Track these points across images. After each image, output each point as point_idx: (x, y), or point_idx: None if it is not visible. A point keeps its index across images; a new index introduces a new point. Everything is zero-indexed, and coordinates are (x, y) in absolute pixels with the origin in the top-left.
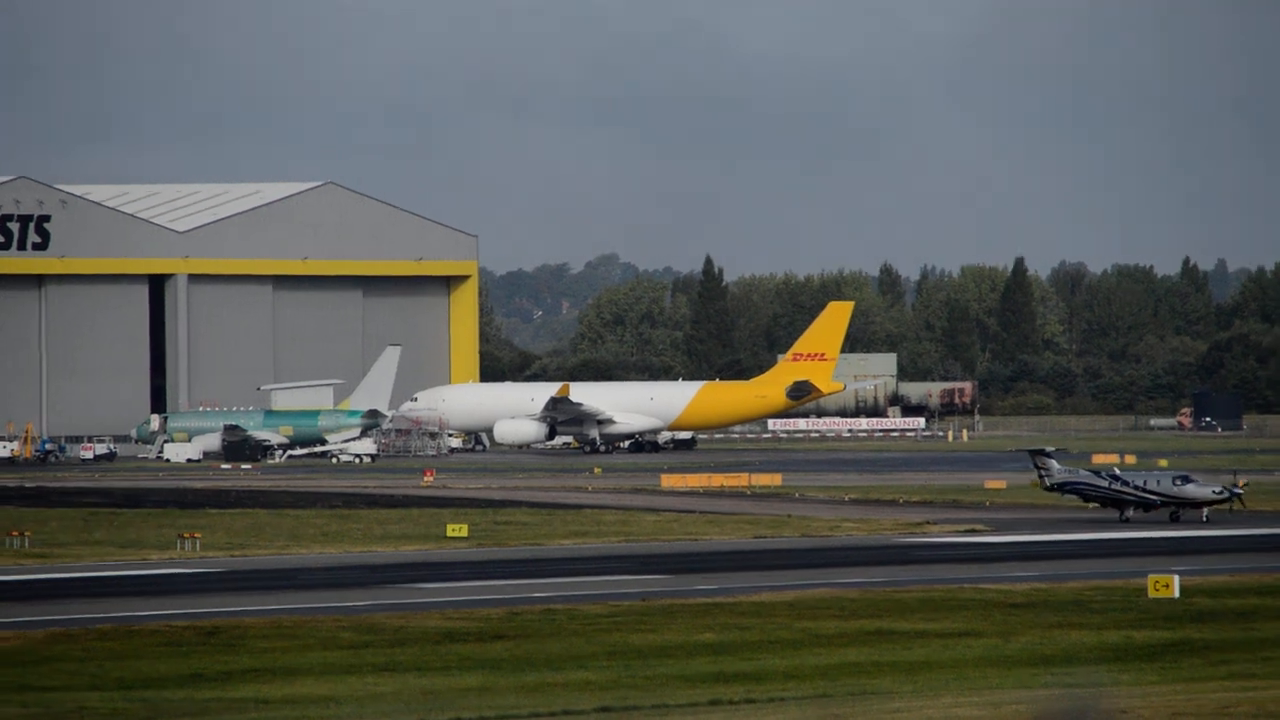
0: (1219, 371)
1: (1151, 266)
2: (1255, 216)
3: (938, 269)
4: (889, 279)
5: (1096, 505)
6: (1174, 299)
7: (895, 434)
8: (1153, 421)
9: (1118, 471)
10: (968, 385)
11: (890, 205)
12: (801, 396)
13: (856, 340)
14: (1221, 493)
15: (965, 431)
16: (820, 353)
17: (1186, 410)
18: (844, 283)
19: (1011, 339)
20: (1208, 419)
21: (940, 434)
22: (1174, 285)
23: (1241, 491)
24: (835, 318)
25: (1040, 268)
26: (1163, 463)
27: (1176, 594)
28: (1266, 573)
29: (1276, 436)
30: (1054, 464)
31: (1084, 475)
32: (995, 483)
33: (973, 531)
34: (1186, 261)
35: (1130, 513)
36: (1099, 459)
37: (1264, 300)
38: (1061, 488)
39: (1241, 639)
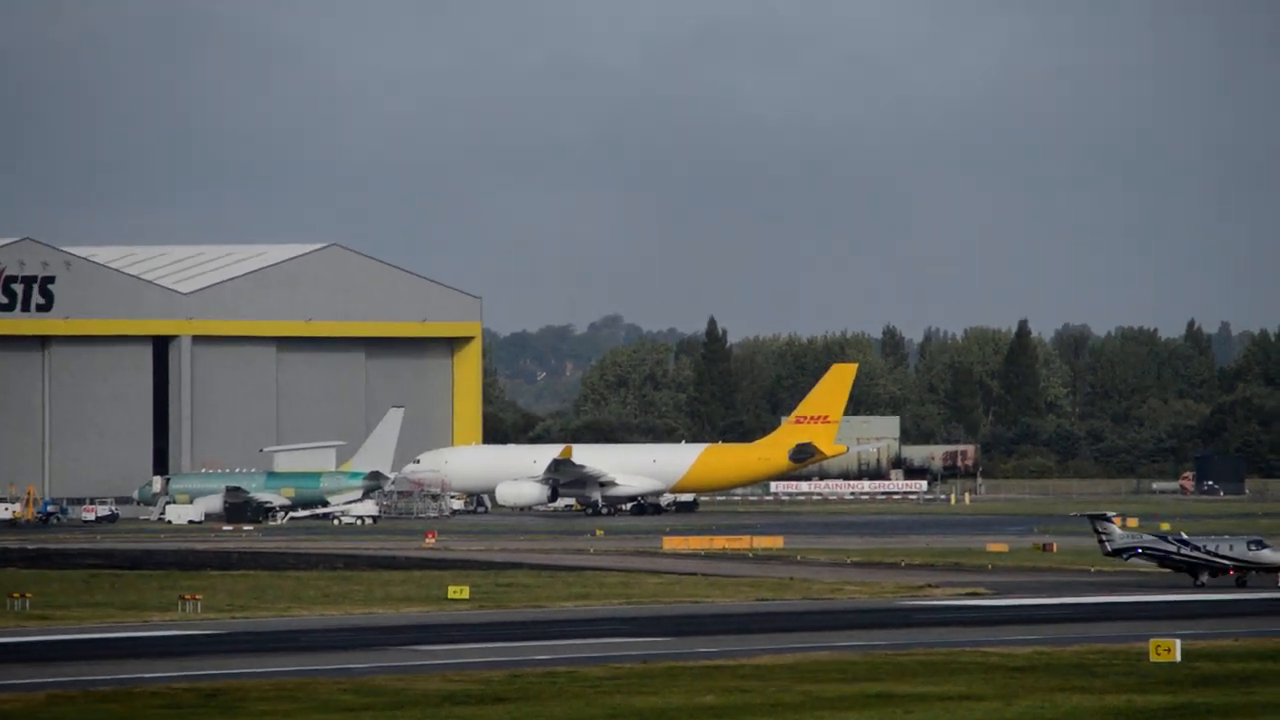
0: (1222, 434)
1: (1155, 329)
2: (1259, 279)
3: (941, 331)
4: (892, 341)
5: (1167, 571)
6: (1177, 362)
7: (897, 496)
8: (1155, 485)
9: (1185, 536)
10: (970, 448)
11: (893, 267)
12: (804, 459)
13: (859, 402)
14: None
15: (967, 494)
16: (823, 415)
17: (1188, 473)
18: (847, 344)
19: (1014, 401)
20: (1210, 482)
21: (943, 497)
22: (1178, 348)
23: None
24: (838, 380)
25: (1044, 330)
26: (1164, 525)
27: (1178, 658)
28: (1269, 637)
29: (1278, 500)
30: (1115, 529)
31: (1148, 539)
32: (997, 546)
33: (974, 594)
34: (1190, 324)
35: (1205, 578)
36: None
37: (1267, 364)
38: (1124, 552)
39: (1243, 703)
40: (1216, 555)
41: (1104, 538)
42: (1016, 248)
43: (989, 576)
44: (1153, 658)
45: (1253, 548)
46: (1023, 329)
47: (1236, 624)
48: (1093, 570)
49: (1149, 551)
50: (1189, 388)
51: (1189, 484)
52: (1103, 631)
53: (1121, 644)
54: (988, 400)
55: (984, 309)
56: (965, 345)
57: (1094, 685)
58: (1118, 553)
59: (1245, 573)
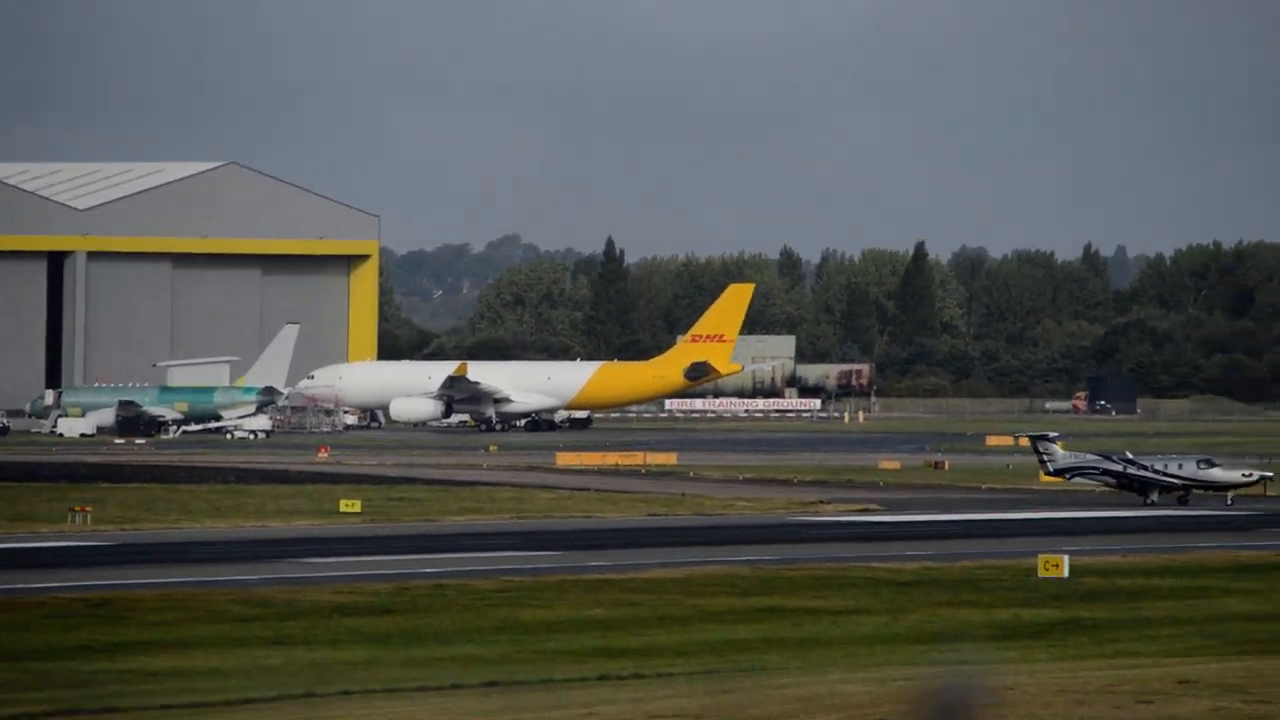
0: (1115, 355)
1: (1051, 252)
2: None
3: (838, 252)
4: (789, 262)
5: (1110, 490)
6: (1073, 284)
7: (792, 415)
8: (1048, 404)
9: (1131, 455)
10: (865, 367)
11: (792, 189)
12: (699, 377)
13: (755, 322)
14: (1249, 475)
15: (861, 413)
16: (719, 334)
17: (1081, 394)
18: (744, 265)
19: (910, 322)
20: (1102, 402)
21: (837, 415)
22: (1074, 271)
23: (1271, 475)
24: (735, 300)
25: (941, 252)
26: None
27: (1066, 573)
28: (1156, 553)
29: (1170, 420)
30: (1057, 449)
31: (1092, 459)
32: (890, 463)
33: (865, 511)
34: (1087, 247)
35: (1155, 496)
36: (993, 440)
37: (1161, 286)
38: (1067, 473)
39: (1129, 618)
40: (1166, 474)
41: (1045, 458)
42: (915, 170)
43: (880, 493)
44: (1041, 573)
45: (1202, 466)
46: (919, 251)
47: (1128, 540)
48: (983, 488)
49: (1095, 472)
50: (1084, 309)
51: (1082, 404)
52: (992, 548)
53: (1010, 560)
54: (883, 321)
55: (881, 231)
56: (862, 266)
57: (981, 600)
58: (1060, 473)
59: (1188, 491)
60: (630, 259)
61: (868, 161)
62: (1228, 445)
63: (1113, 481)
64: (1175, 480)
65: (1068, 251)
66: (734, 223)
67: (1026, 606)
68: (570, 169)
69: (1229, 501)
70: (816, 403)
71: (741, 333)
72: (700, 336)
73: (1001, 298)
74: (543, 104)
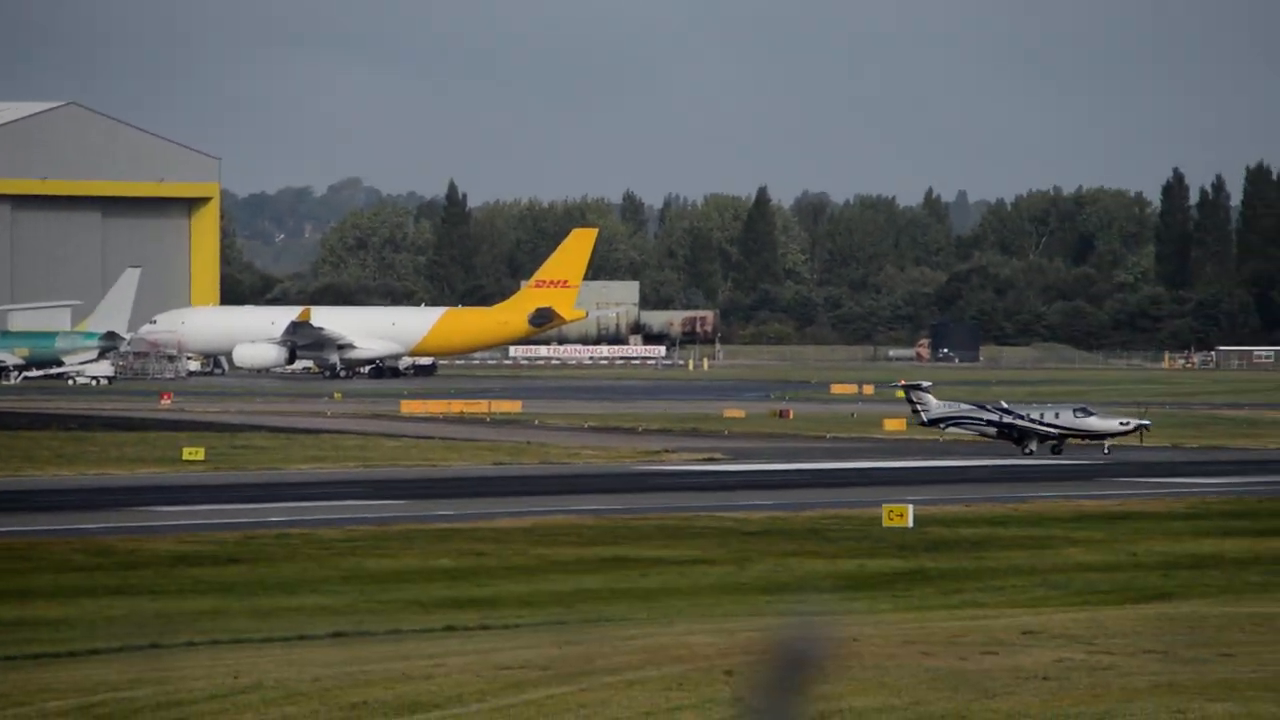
0: (957, 302)
1: (894, 197)
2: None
3: (681, 197)
4: (632, 207)
5: (986, 440)
6: (915, 230)
7: (636, 362)
8: (891, 352)
9: (1006, 404)
10: (709, 314)
11: (635, 133)
12: (543, 323)
13: (599, 268)
14: (1126, 424)
15: (706, 360)
16: (563, 280)
17: (924, 341)
18: (588, 209)
19: (753, 268)
20: (945, 350)
21: (681, 362)
22: (915, 216)
23: (1149, 424)
24: (578, 245)
25: (783, 197)
26: (900, 393)
27: (911, 523)
28: (1000, 503)
29: (1012, 367)
30: (930, 398)
31: (967, 409)
32: (734, 411)
33: (711, 460)
34: (929, 193)
35: (1034, 446)
36: (837, 389)
37: (1003, 232)
38: (941, 422)
39: (973, 568)
40: (1043, 423)
41: (919, 407)
42: (757, 116)
43: (726, 442)
44: (886, 523)
45: (1079, 415)
46: (762, 196)
47: (972, 489)
48: (827, 436)
49: (971, 421)
50: (926, 255)
51: (925, 351)
52: (837, 497)
53: (856, 509)
54: (727, 267)
55: (724, 176)
56: (705, 212)
57: (827, 550)
58: (934, 422)
59: (1062, 440)
60: (473, 203)
61: (710, 106)
62: (1069, 393)
63: (992, 431)
64: (1053, 429)
65: (910, 197)
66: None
67: (872, 557)
68: (412, 111)
69: (1106, 450)
70: (661, 350)
71: (585, 278)
72: (544, 282)
73: (844, 244)
74: (385, 46)
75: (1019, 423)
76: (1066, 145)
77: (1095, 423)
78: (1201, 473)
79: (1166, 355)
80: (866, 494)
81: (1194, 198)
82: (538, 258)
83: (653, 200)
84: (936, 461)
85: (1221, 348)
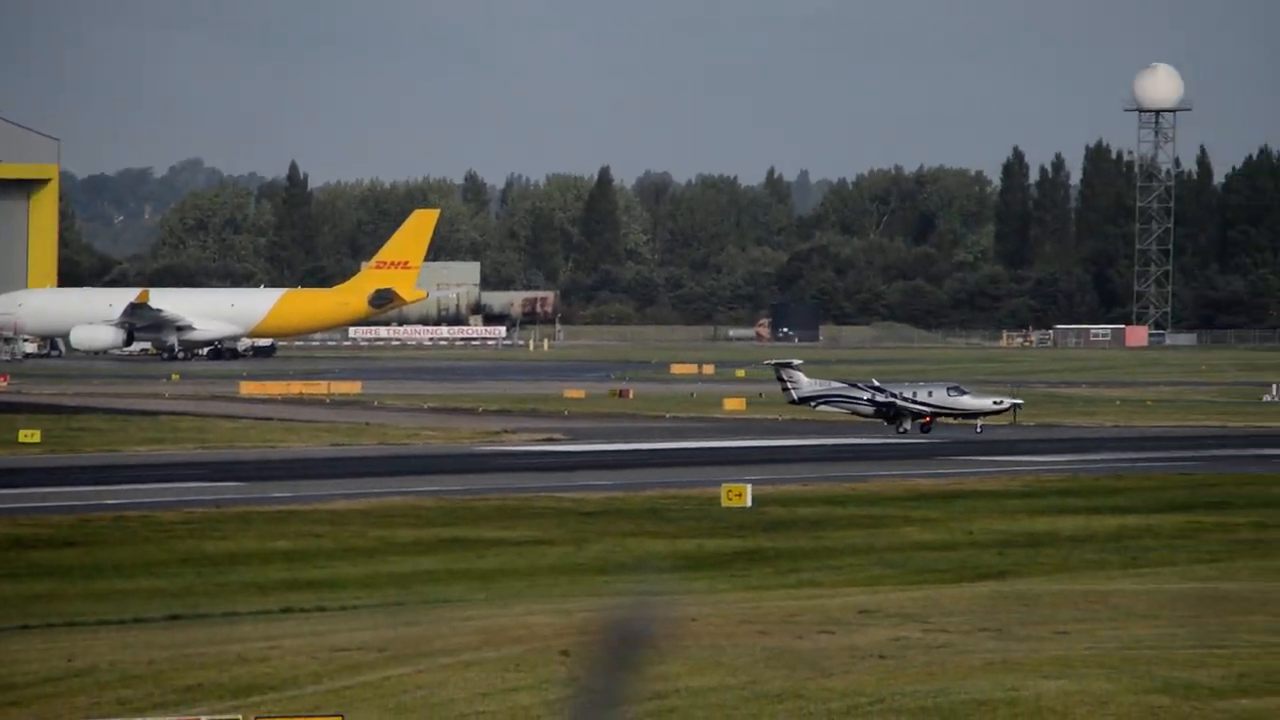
0: (798, 282)
1: (735, 177)
2: (838, 128)
3: (523, 178)
4: (474, 187)
5: (861, 418)
6: (757, 210)
7: (477, 343)
8: (731, 332)
9: (877, 382)
10: (550, 295)
11: (476, 114)
12: (384, 304)
13: (440, 249)
14: (1000, 402)
15: (546, 341)
16: (404, 261)
17: (764, 320)
18: (429, 190)
19: (595, 249)
20: (785, 329)
21: (521, 343)
22: (757, 196)
23: (1021, 402)
24: (419, 226)
25: (625, 177)
26: (740, 373)
27: (749, 503)
28: (838, 482)
29: (851, 347)
30: (801, 376)
31: (837, 387)
32: (575, 392)
33: (550, 440)
34: (770, 172)
35: (908, 424)
36: (678, 369)
37: (844, 212)
38: (811, 400)
39: (810, 548)
40: (916, 401)
41: (789, 385)
42: (599, 95)
43: (565, 423)
44: (724, 503)
45: (952, 393)
46: (604, 176)
47: (810, 469)
48: (667, 416)
49: (842, 400)
50: (767, 235)
51: (765, 331)
52: (676, 477)
53: (695, 489)
54: (568, 247)
55: (566, 156)
56: (547, 192)
57: (666, 530)
58: (804, 400)
59: (933, 419)
60: (314, 184)
61: (552, 86)
62: (909, 372)
63: (868, 410)
64: (927, 407)
65: (751, 177)
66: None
67: (710, 536)
68: (253, 92)
69: (979, 429)
70: (502, 330)
71: (426, 259)
72: (385, 263)
73: (686, 224)
74: (225, 25)
75: (895, 401)
76: (907, 124)
77: (969, 401)
78: (1037, 451)
79: (1005, 334)
80: (705, 474)
81: (1034, 177)
82: (379, 239)
83: (494, 181)
84: (775, 441)
85: (1059, 326)
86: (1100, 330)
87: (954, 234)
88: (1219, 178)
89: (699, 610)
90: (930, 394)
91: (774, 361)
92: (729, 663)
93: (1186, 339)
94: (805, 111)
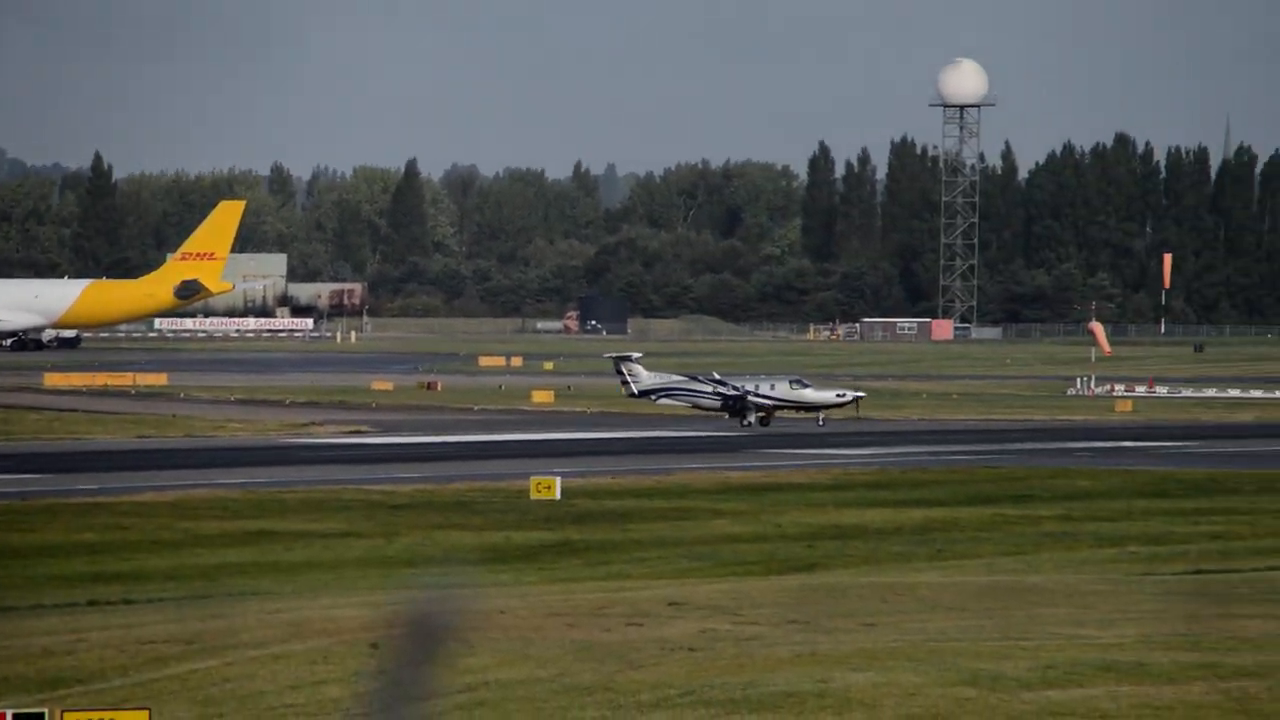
0: (606, 275)
1: (543, 170)
2: (645, 122)
3: (330, 169)
4: (280, 179)
5: (702, 412)
6: (564, 203)
7: (284, 334)
8: (540, 324)
9: (718, 375)
10: (357, 287)
11: (282, 105)
12: (190, 296)
13: (247, 240)
14: (842, 395)
15: (354, 333)
16: (210, 252)
17: (573, 313)
18: (235, 182)
19: (402, 241)
20: (593, 322)
21: (329, 335)
22: (564, 189)
23: (864, 394)
24: (225, 217)
25: (433, 170)
26: (548, 365)
27: (558, 495)
28: (646, 474)
29: (660, 340)
30: (640, 370)
31: (678, 380)
32: (382, 384)
33: (358, 432)
34: (578, 165)
35: (753, 418)
36: (486, 361)
37: (651, 205)
38: (652, 394)
39: (619, 540)
40: (759, 394)
41: (628, 379)
42: (406, 88)
43: (373, 415)
44: (533, 495)
45: (795, 386)
46: (411, 169)
47: (619, 461)
48: (475, 409)
49: (673, 392)
50: (575, 228)
51: (573, 324)
52: (485, 470)
53: (503, 482)
54: (375, 239)
55: (373, 148)
56: (354, 184)
57: (474, 522)
58: (645, 394)
59: (771, 413)
60: (119, 175)
61: (358, 77)
62: (717, 365)
63: (716, 404)
64: (770, 400)
65: (558, 170)
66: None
67: (519, 529)
68: (57, 81)
69: (820, 423)
70: (309, 322)
71: (232, 251)
72: (190, 254)
73: (493, 217)
74: (27, 12)
75: (738, 394)
76: (715, 118)
77: (811, 394)
78: (845, 444)
79: (812, 327)
80: (514, 466)
81: (840, 171)
82: (184, 230)
83: (301, 172)
84: (585, 434)
85: (866, 320)
86: (906, 324)
87: (761, 228)
88: (1024, 173)
89: (507, 603)
90: (773, 387)
91: (612, 355)
92: (538, 655)
93: (992, 333)
94: (612, 105)
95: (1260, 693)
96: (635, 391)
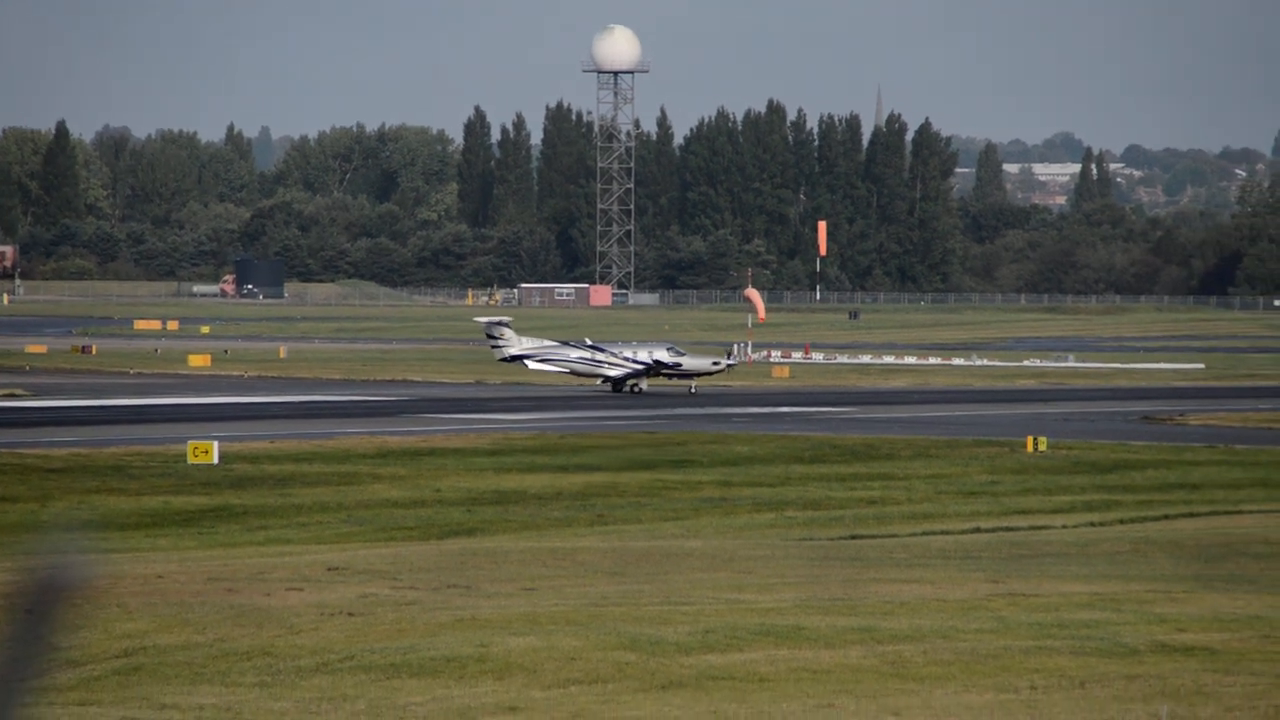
0: (261, 239)
1: (195, 132)
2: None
3: None
4: None
5: (576, 377)
6: (218, 166)
7: None
8: (196, 288)
9: (591, 341)
10: (9, 249)
11: None
12: None
13: None
14: (719, 363)
15: (6, 296)
16: None
17: (229, 277)
18: None
19: (54, 203)
20: (250, 286)
21: None
22: (218, 152)
23: (736, 363)
24: None
25: (84, 131)
26: (205, 329)
27: (216, 460)
28: (307, 439)
29: (318, 304)
30: (510, 334)
31: (550, 345)
32: (36, 347)
33: (12, 396)
34: (231, 128)
35: (643, 384)
36: (142, 325)
37: (306, 169)
38: (522, 359)
39: (279, 505)
40: (636, 360)
41: (500, 343)
42: (53, 48)
43: (28, 378)
44: (191, 459)
45: (671, 354)
46: (61, 130)
47: (275, 426)
48: (131, 373)
49: (546, 358)
50: (230, 192)
51: (230, 287)
52: (142, 434)
53: (160, 446)
54: (27, 202)
55: (21, 109)
56: (3, 145)
57: (131, 487)
58: (516, 359)
59: (640, 378)
60: None
61: (5, 39)
62: (373, 330)
63: (589, 370)
64: (639, 366)
65: (212, 133)
66: None
67: (177, 494)
68: None
69: (693, 389)
70: None
71: None
72: None
73: (146, 179)
74: None
75: (610, 360)
76: (370, 82)
77: (688, 362)
78: (503, 409)
79: (470, 292)
80: (172, 430)
81: (496, 136)
82: None
83: None
84: (244, 398)
85: (524, 285)
86: (565, 289)
87: (417, 192)
88: (679, 140)
89: (165, 568)
90: (650, 353)
91: (484, 319)
92: (196, 620)
93: (650, 299)
94: (265, 68)
95: (915, 655)
96: (507, 355)
